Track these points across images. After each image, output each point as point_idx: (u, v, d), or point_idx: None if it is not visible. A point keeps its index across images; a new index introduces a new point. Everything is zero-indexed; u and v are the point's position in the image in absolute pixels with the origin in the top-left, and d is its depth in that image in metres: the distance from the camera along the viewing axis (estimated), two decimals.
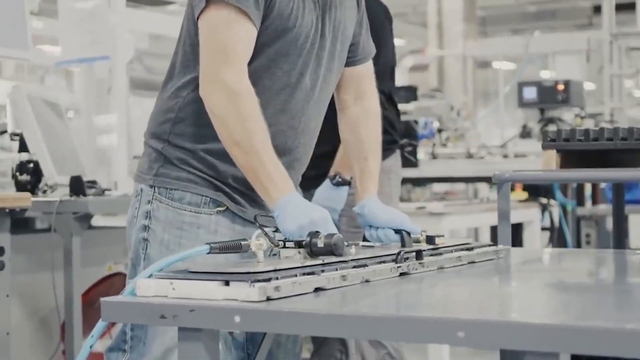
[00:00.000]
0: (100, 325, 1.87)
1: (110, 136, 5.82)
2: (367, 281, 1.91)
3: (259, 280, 1.69)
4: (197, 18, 2.30)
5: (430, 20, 14.10)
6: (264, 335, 2.10)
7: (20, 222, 4.08)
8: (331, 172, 3.42)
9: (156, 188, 2.40)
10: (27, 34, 4.38)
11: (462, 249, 2.28)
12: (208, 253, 1.93)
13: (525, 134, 7.93)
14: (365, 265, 1.95)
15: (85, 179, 4.23)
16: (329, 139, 2.72)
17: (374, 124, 2.61)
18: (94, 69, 5.80)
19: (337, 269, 1.88)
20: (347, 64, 2.57)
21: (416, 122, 7.37)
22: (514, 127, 10.65)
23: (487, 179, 7.45)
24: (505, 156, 7.60)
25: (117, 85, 5.62)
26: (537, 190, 6.64)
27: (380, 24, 3.44)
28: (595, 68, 11.03)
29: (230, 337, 2.40)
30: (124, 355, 2.36)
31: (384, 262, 2.02)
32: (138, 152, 7.59)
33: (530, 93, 7.78)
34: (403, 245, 2.22)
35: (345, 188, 3.43)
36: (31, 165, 4.22)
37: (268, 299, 1.67)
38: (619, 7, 10.67)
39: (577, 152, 2.89)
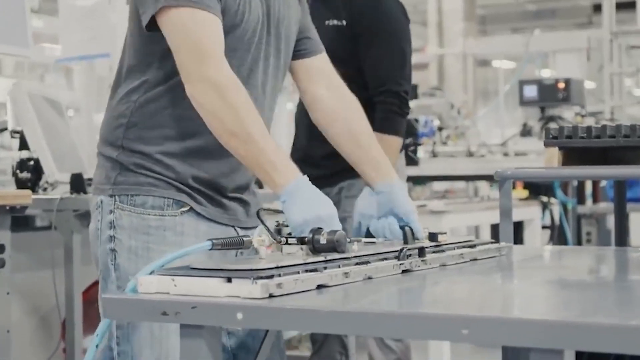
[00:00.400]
0: (104, 323, 1.87)
1: None
2: (369, 278, 1.90)
3: (261, 277, 1.69)
4: (152, 21, 2.26)
5: (431, 18, 14.10)
6: (266, 332, 2.09)
7: (20, 220, 4.07)
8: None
9: (117, 197, 2.36)
10: (28, 32, 4.37)
11: (464, 247, 2.28)
12: (210, 249, 1.92)
13: (525, 132, 7.93)
14: (367, 262, 1.95)
15: (85, 176, 4.22)
16: None
17: (359, 109, 2.58)
18: (94, 67, 5.79)
19: (339, 266, 1.88)
20: (303, 56, 2.56)
21: (417, 120, 7.37)
22: (513, 126, 10.65)
23: (487, 177, 7.45)
24: (506, 154, 7.59)
25: None
26: (537, 189, 6.64)
27: (402, 25, 3.43)
28: (596, 67, 11.03)
29: None
30: None
31: (386, 259, 2.02)
32: None
33: (531, 91, 7.78)
34: (405, 241, 2.21)
35: None
36: (31, 162, 4.22)
37: (270, 296, 1.66)
38: (619, 6, 10.67)
39: (579, 149, 2.88)
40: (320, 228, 1.96)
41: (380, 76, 3.29)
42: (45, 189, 4.24)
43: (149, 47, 2.36)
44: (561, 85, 7.69)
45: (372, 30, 3.29)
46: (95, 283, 4.58)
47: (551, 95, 7.73)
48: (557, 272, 2.31)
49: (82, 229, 4.00)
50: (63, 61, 5.97)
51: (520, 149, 7.62)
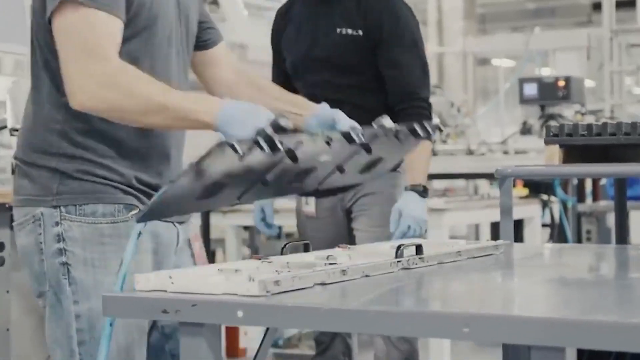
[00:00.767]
0: (106, 321, 1.86)
1: None
2: (366, 276, 1.90)
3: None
4: (50, 21, 2.18)
5: (430, 17, 14.08)
6: (267, 330, 2.09)
7: None
8: (412, 185, 3.30)
9: (62, 207, 2.24)
10: (27, 30, 4.36)
11: (456, 252, 2.23)
12: (139, 235, 1.93)
13: (525, 130, 7.92)
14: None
15: None
16: None
17: (275, 88, 2.57)
18: None
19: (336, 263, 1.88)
20: (210, 46, 2.52)
21: None
22: (513, 124, 10.64)
23: (487, 176, 7.45)
24: (506, 153, 7.59)
25: None
26: (537, 187, 6.63)
27: (419, 32, 3.42)
28: (596, 65, 11.02)
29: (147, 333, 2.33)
30: None
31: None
32: None
33: (531, 89, 7.77)
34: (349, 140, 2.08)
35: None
36: None
37: (268, 293, 1.66)
38: (619, 4, 10.67)
39: (580, 147, 2.88)
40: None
41: (408, 83, 3.28)
42: None
43: None
44: (561, 83, 7.68)
45: (393, 40, 3.27)
46: None
47: (551, 93, 7.73)
48: (557, 270, 2.30)
49: None
50: None
51: (520, 147, 7.62)
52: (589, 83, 10.71)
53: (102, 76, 2.11)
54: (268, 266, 1.94)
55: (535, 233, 6.35)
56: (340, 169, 2.18)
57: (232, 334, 5.35)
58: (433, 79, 14.64)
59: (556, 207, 6.77)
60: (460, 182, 9.10)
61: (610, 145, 2.85)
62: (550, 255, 2.72)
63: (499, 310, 1.65)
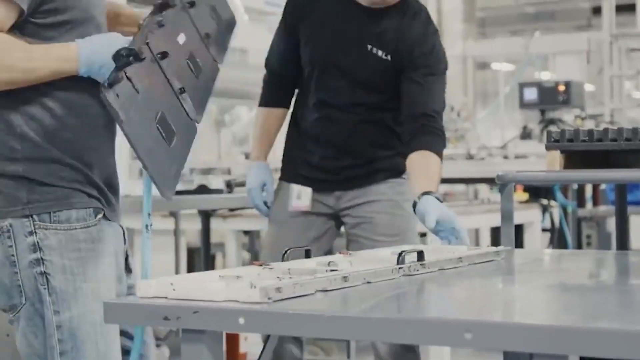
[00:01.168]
0: (138, 330, 1.85)
1: None
2: (368, 282, 1.89)
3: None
4: None
5: None
6: (268, 337, 2.09)
7: None
8: (426, 192, 2.99)
9: (34, 216, 2.19)
10: None
11: (457, 258, 2.23)
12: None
13: (525, 135, 7.92)
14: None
15: None
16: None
17: None
18: None
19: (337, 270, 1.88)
20: None
21: None
22: (513, 128, 10.64)
23: (487, 180, 7.44)
24: (506, 157, 7.59)
25: None
26: (537, 192, 6.62)
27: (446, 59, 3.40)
28: (595, 69, 11.03)
29: None
30: None
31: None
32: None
33: (531, 94, 7.78)
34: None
35: None
36: None
37: (269, 300, 1.66)
38: (619, 9, 10.68)
39: (581, 152, 2.87)
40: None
41: (430, 106, 3.20)
42: None
43: None
44: (561, 87, 7.69)
45: (424, 69, 3.21)
46: None
47: (551, 97, 7.73)
48: (559, 276, 2.30)
49: None
50: None
51: (520, 152, 7.62)
52: (588, 87, 10.73)
53: None
54: (269, 272, 1.93)
55: (535, 238, 6.35)
56: (207, 36, 2.36)
57: (233, 339, 5.34)
58: None
59: (556, 212, 6.77)
60: (460, 187, 9.09)
61: (612, 151, 2.84)
62: (552, 261, 2.71)
63: (501, 317, 1.65)
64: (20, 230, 2.19)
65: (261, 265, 1.98)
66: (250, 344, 5.34)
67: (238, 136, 9.53)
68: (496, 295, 1.95)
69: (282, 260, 2.04)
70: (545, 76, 12.70)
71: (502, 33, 18.38)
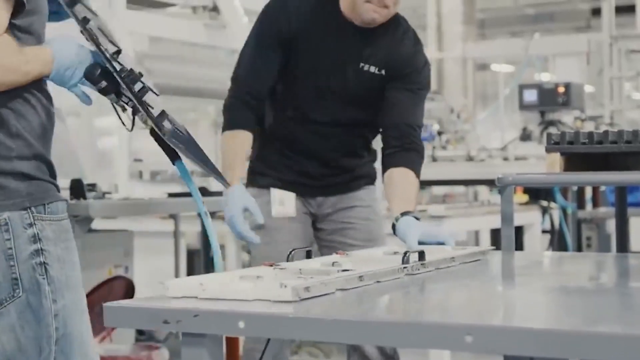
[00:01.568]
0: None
1: (111, 138, 5.80)
2: (378, 282, 1.93)
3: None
4: None
5: (430, 22, 14.08)
6: (268, 340, 2.09)
7: None
8: (404, 212, 2.99)
9: (32, 208, 2.22)
10: None
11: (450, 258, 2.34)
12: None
13: (525, 136, 7.92)
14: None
15: (85, 182, 4.21)
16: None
17: None
18: None
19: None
20: None
21: None
22: (513, 130, 10.64)
23: (487, 182, 7.44)
24: (506, 159, 7.58)
25: None
26: (537, 193, 6.63)
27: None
28: (595, 71, 11.03)
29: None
30: None
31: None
32: (139, 154, 7.54)
33: (531, 95, 7.77)
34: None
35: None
36: None
37: (299, 299, 1.69)
38: (619, 10, 10.67)
39: (581, 155, 2.87)
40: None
41: (410, 124, 3.23)
42: None
43: None
44: (561, 89, 7.68)
45: (410, 83, 3.26)
46: (95, 289, 4.57)
47: (551, 99, 7.73)
48: (559, 279, 2.30)
49: (82, 234, 3.99)
50: None
51: (520, 154, 7.62)
52: (588, 89, 10.72)
53: None
54: (284, 273, 1.96)
55: (535, 239, 6.35)
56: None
57: (232, 341, 5.33)
58: (432, 84, 14.64)
59: (556, 214, 6.77)
60: (460, 188, 9.10)
61: (612, 153, 2.84)
62: (551, 263, 2.71)
63: (503, 321, 1.65)
64: (19, 223, 2.21)
65: (272, 266, 2.02)
66: None
67: None
68: (497, 299, 1.95)
69: (287, 261, 2.08)
70: (545, 77, 12.70)
71: (501, 34, 18.38)
